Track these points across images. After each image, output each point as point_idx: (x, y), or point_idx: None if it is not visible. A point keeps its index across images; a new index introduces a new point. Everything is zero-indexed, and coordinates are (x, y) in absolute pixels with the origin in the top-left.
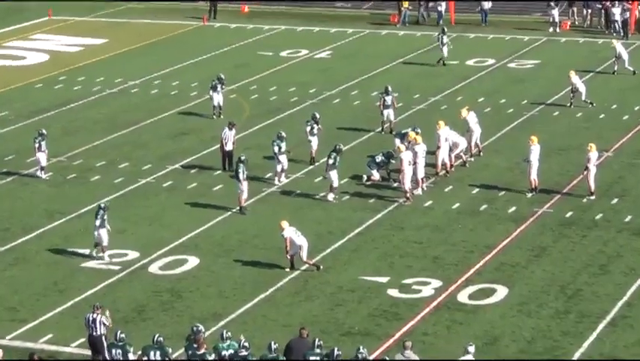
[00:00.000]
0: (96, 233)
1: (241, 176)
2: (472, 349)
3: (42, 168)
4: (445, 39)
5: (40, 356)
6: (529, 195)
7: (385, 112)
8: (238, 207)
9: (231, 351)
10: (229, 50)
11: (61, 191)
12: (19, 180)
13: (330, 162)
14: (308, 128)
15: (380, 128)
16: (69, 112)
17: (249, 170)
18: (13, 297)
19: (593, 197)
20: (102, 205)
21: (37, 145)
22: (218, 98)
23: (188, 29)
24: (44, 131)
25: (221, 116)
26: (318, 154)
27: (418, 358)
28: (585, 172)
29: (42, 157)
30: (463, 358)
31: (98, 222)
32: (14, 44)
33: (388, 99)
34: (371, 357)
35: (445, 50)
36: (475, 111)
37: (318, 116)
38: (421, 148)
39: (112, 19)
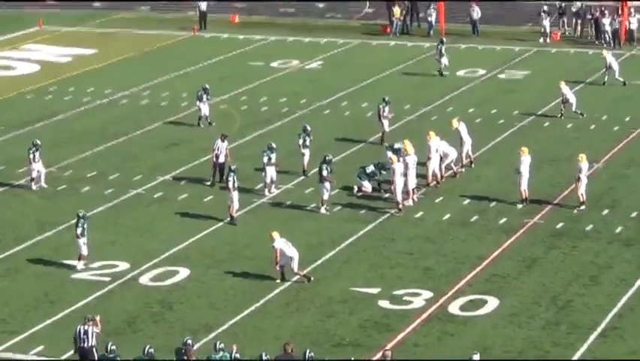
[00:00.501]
0: (80, 242)
1: (231, 185)
2: (477, 357)
3: (32, 180)
4: (444, 49)
5: None
6: (520, 206)
7: (384, 122)
8: (229, 218)
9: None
10: (219, 61)
11: (52, 202)
12: (10, 190)
13: (324, 173)
14: (300, 141)
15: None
16: (59, 123)
17: (240, 180)
18: (3, 309)
19: (583, 207)
20: (81, 214)
21: (31, 156)
22: (204, 109)
23: (179, 40)
24: (38, 141)
25: (212, 124)
26: (309, 165)
27: None
28: (577, 183)
29: (36, 168)
30: None
31: (79, 231)
32: (5, 54)
33: (387, 109)
34: None
35: (445, 60)
36: (465, 122)
37: (309, 128)
38: (412, 159)
39: (102, 29)
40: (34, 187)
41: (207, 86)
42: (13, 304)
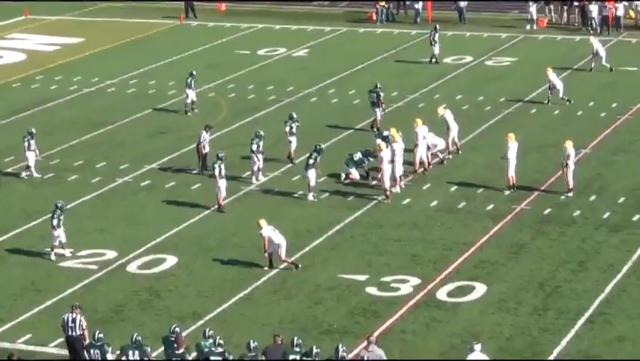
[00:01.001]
0: (55, 233)
1: (217, 173)
2: (478, 347)
3: (27, 167)
4: (437, 37)
5: (20, 356)
6: (508, 192)
7: (376, 109)
8: (216, 206)
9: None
10: (206, 49)
11: (39, 191)
12: None
13: (311, 161)
14: (287, 129)
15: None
16: (46, 111)
17: (227, 169)
18: None
19: (570, 194)
20: (59, 205)
21: (26, 144)
22: (191, 95)
23: (165, 28)
24: (33, 130)
25: (195, 110)
26: (296, 153)
27: (382, 351)
28: (565, 169)
29: (31, 156)
30: (472, 358)
31: (55, 222)
32: None
33: (379, 96)
34: (349, 355)
35: (437, 47)
36: (452, 109)
37: (295, 115)
38: (399, 146)
39: (89, 18)
40: (32, 174)
41: (194, 72)
42: (0, 293)
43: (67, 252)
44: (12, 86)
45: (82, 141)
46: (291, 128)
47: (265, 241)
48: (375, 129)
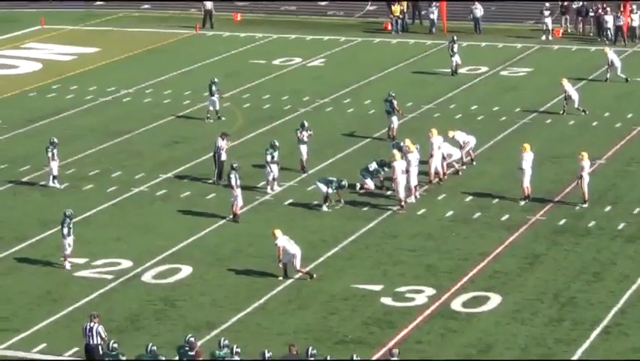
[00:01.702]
0: (66, 242)
1: (234, 183)
2: (395, 351)
3: (54, 177)
4: (456, 48)
5: None
6: (522, 202)
7: (391, 118)
8: (231, 216)
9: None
10: (222, 59)
11: (55, 200)
12: (13, 188)
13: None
14: (300, 136)
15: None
16: (62, 120)
17: (242, 179)
18: (6, 307)
19: (585, 205)
20: (68, 213)
21: (50, 154)
22: (215, 104)
23: (181, 38)
24: (55, 139)
25: (222, 118)
26: (311, 163)
27: None
28: (579, 181)
29: (55, 166)
30: None
31: (65, 231)
32: (7, 53)
33: (392, 103)
34: None
35: (457, 58)
36: (468, 119)
37: (307, 124)
38: (414, 156)
39: (104, 27)
40: (57, 185)
41: (216, 79)
42: (16, 302)
43: (67, 264)
44: (28, 96)
45: (98, 150)
46: (303, 136)
47: (280, 251)
48: (390, 138)
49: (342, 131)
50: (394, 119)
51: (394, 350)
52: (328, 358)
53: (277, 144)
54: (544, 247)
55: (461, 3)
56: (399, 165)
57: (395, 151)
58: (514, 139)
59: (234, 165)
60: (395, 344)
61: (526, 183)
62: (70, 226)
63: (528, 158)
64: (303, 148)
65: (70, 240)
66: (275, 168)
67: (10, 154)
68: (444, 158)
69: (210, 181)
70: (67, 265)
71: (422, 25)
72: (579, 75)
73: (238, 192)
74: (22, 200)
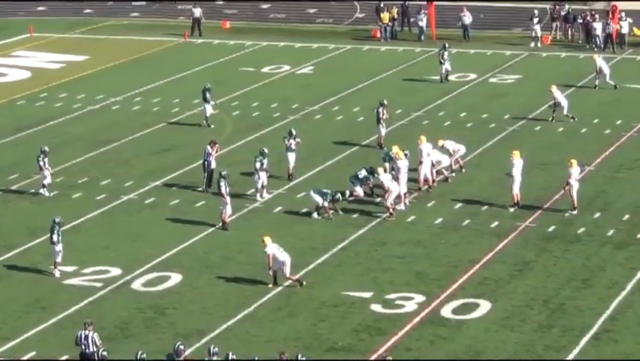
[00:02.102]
0: (57, 248)
1: (223, 191)
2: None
3: (44, 186)
4: (446, 55)
5: None
6: (512, 209)
7: (378, 126)
8: (221, 224)
9: None
10: (210, 66)
11: (44, 208)
12: (2, 197)
13: (257, 165)
14: (287, 144)
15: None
16: (51, 129)
17: (231, 186)
18: None
19: (575, 212)
20: (57, 220)
21: (41, 163)
22: (208, 109)
23: (170, 46)
24: (46, 148)
25: (210, 126)
26: (299, 171)
27: None
28: (567, 187)
29: (48, 175)
30: None
31: (55, 238)
32: None
33: (384, 111)
34: None
35: (447, 65)
36: (457, 126)
37: (294, 132)
38: (403, 163)
39: (93, 35)
40: (46, 193)
41: (209, 85)
42: (5, 310)
43: (57, 272)
44: (16, 104)
45: (86, 158)
46: (290, 145)
47: (269, 259)
48: (379, 146)
49: (330, 139)
50: (380, 127)
51: (388, 358)
52: None
53: (267, 151)
54: (534, 254)
55: (450, 10)
56: (385, 178)
57: (380, 168)
58: (503, 146)
59: (223, 173)
60: (385, 351)
61: (516, 189)
62: (60, 233)
63: (518, 164)
64: (291, 156)
65: (59, 247)
66: (264, 175)
67: None
68: (433, 165)
69: (200, 189)
70: (57, 273)
71: (411, 32)
72: (568, 82)
73: (228, 199)
74: (10, 208)
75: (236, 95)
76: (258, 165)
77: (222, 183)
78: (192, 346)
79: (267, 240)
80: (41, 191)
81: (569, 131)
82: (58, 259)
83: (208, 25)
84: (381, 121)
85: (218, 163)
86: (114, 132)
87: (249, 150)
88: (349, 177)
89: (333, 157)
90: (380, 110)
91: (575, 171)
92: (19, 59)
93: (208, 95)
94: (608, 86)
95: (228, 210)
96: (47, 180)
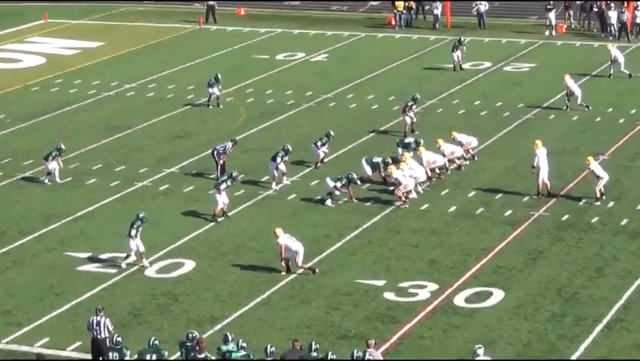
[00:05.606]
0: (131, 242)
1: (222, 187)
2: (481, 352)
3: (48, 173)
4: (461, 44)
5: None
6: (526, 198)
7: (407, 117)
8: (212, 216)
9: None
10: (225, 53)
11: (58, 194)
12: (16, 183)
13: (278, 160)
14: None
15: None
16: (65, 115)
17: (246, 173)
18: (9, 300)
19: (598, 203)
20: (140, 215)
21: (53, 155)
22: (216, 91)
23: (185, 32)
24: (63, 146)
25: (220, 106)
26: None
27: (381, 358)
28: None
29: (53, 165)
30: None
31: (133, 232)
32: (10, 47)
33: (414, 106)
34: None
35: (459, 53)
36: (471, 114)
37: (290, 148)
38: (425, 156)
39: (108, 22)
40: (47, 182)
41: (219, 75)
42: (19, 296)
43: (146, 262)
44: (31, 90)
45: (101, 144)
46: (324, 143)
47: (282, 250)
48: (407, 134)
49: (344, 127)
50: (405, 117)
51: (370, 341)
52: (329, 353)
53: (290, 148)
54: (547, 243)
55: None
56: (398, 174)
57: (400, 150)
58: (517, 135)
59: (234, 175)
60: (398, 339)
61: (546, 178)
62: (139, 228)
63: (541, 154)
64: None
65: (137, 241)
66: (282, 167)
67: (12, 149)
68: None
69: (212, 176)
70: (146, 263)
71: (426, 20)
72: (582, 71)
73: (221, 198)
74: (25, 194)
75: (250, 83)
76: (278, 159)
77: (229, 182)
78: (205, 333)
79: (279, 231)
80: (42, 177)
81: (583, 120)
82: (131, 253)
83: (222, 12)
84: (406, 111)
85: (232, 156)
86: (128, 119)
87: (263, 137)
88: (365, 158)
89: (348, 145)
90: (409, 104)
91: (595, 166)
92: (34, 45)
93: (214, 82)
94: (622, 75)
95: (219, 205)
96: (51, 170)
